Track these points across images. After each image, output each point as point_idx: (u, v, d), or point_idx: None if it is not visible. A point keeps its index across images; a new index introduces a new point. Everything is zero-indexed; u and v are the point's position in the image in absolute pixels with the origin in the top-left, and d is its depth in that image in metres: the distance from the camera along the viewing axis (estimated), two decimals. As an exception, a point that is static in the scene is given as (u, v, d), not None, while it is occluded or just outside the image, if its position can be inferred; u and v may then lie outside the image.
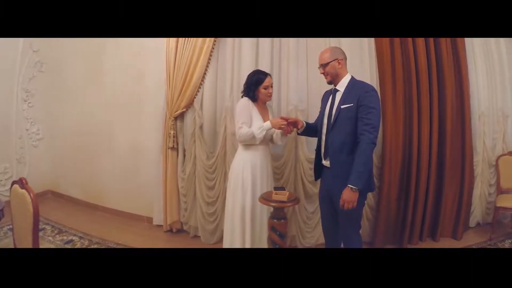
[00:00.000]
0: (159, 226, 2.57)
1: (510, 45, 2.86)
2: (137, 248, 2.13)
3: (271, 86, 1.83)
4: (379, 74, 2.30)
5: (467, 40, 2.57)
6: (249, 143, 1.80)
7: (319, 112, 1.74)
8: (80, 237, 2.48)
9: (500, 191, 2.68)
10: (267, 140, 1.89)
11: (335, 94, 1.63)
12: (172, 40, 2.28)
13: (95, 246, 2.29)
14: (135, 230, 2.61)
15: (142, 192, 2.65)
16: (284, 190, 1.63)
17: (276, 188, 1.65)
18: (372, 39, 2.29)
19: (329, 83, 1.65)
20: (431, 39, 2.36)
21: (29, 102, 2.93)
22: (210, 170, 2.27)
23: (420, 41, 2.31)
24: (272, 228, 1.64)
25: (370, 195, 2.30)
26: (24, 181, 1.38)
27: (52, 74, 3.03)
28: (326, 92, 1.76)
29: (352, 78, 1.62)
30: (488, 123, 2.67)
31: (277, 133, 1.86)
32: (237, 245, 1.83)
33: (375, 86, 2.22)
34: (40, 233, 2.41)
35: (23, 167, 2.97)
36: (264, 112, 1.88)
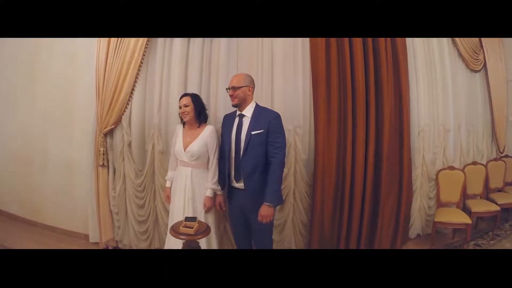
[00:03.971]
0: (96, 243, 2.51)
1: (454, 58, 2.91)
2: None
3: (184, 106, 1.84)
4: (312, 85, 2.25)
5: (409, 53, 2.57)
6: None
7: (221, 136, 1.78)
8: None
9: (440, 204, 2.73)
10: (202, 162, 1.84)
11: (242, 119, 1.68)
12: (102, 52, 2.20)
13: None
14: (73, 247, 2.54)
15: (77, 209, 2.57)
16: (196, 220, 1.57)
17: (187, 219, 1.58)
18: (307, 43, 2.24)
19: (235, 106, 1.70)
20: (370, 49, 2.32)
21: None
22: (140, 189, 2.22)
23: (358, 46, 2.27)
24: None
25: (303, 212, 2.30)
26: None
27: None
28: (227, 116, 1.80)
29: (257, 105, 1.72)
30: (428, 138, 2.70)
31: None
32: None
33: (308, 98, 2.25)
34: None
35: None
36: (192, 133, 1.87)
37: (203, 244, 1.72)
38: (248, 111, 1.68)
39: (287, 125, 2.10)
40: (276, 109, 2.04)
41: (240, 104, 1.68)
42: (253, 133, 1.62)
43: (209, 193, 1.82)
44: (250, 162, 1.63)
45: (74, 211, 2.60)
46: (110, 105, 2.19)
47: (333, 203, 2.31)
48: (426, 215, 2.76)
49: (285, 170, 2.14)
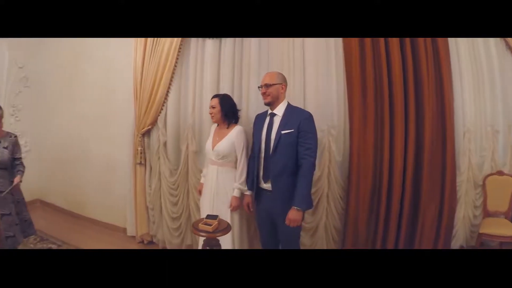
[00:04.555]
0: (133, 237, 2.65)
1: (502, 51, 2.62)
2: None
3: (212, 107, 1.88)
4: (347, 84, 2.16)
5: (452, 47, 2.36)
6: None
7: (253, 135, 1.75)
8: (59, 245, 2.60)
9: (487, 213, 2.48)
10: (229, 162, 1.85)
11: (273, 118, 1.65)
12: (139, 55, 2.32)
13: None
14: (110, 239, 2.71)
15: (117, 204, 2.74)
16: (216, 218, 1.56)
17: (208, 216, 1.58)
18: (340, 42, 2.16)
19: (267, 104, 1.68)
20: (408, 42, 2.17)
21: (16, 116, 3.09)
22: (174, 187, 2.30)
23: (395, 45, 2.13)
24: None
25: (336, 216, 2.22)
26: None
27: (36, 89, 3.18)
28: (258, 115, 1.77)
29: (289, 104, 1.67)
30: (474, 140, 2.45)
31: None
32: None
33: (342, 98, 2.17)
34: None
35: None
36: (221, 132, 1.89)
37: (227, 243, 1.72)
38: (280, 110, 1.65)
39: (321, 125, 2.04)
40: (309, 108, 1.99)
41: (272, 102, 1.65)
42: (283, 132, 1.58)
43: (236, 193, 1.82)
44: (279, 162, 1.59)
45: (114, 206, 2.77)
46: (147, 106, 2.30)
47: (368, 209, 2.20)
48: (471, 226, 2.52)
49: (319, 172, 2.09)
